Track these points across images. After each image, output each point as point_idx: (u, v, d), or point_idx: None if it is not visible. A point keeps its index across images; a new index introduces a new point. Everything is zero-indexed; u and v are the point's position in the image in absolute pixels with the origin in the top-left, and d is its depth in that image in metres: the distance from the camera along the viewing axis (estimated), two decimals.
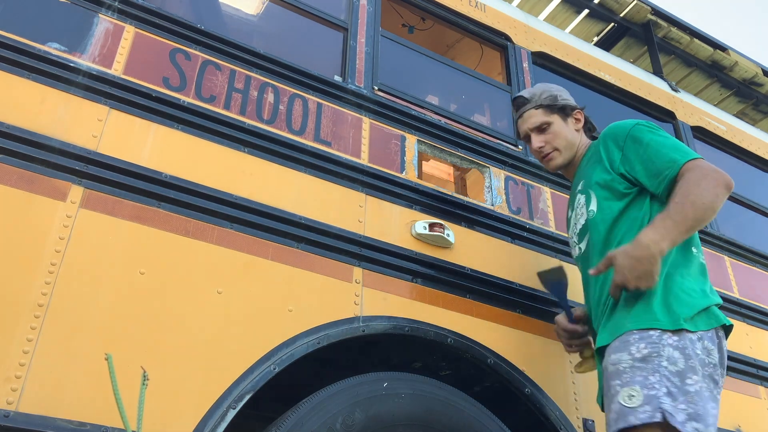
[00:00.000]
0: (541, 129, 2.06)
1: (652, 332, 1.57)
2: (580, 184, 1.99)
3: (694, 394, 1.49)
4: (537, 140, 2.06)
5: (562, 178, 2.64)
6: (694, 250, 1.79)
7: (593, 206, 1.89)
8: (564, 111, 2.08)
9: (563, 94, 2.12)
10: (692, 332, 1.57)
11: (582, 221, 1.95)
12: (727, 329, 1.68)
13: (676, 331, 1.56)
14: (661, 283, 1.64)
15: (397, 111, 2.49)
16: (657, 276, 1.60)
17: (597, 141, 1.98)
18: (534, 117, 2.07)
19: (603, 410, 1.77)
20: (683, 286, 1.65)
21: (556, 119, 2.06)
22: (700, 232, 3.14)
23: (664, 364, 1.52)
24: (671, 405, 1.46)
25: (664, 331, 1.57)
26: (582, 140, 2.10)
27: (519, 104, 2.12)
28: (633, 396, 1.49)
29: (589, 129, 2.14)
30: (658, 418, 1.45)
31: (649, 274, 1.58)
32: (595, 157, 1.95)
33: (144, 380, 1.35)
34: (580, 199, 1.97)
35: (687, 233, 1.64)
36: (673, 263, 1.70)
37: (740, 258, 3.24)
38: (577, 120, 2.10)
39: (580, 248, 1.98)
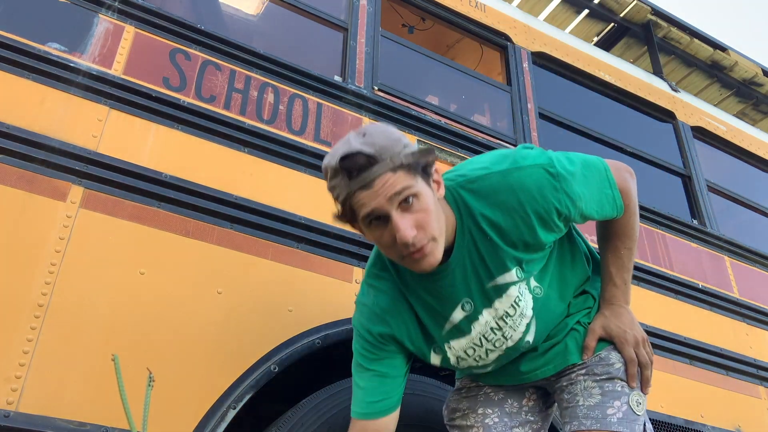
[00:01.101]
0: (406, 202, 1.19)
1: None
2: (485, 285, 1.32)
3: None
4: (406, 224, 1.18)
5: None
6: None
7: (533, 284, 1.36)
8: (426, 172, 1.23)
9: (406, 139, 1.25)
10: None
11: (521, 324, 1.37)
12: None
13: None
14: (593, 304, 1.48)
15: (397, 111, 2.49)
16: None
17: (474, 218, 1.29)
18: (395, 184, 1.17)
19: None
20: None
21: (423, 187, 1.21)
22: (699, 231, 3.14)
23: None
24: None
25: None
26: (444, 216, 1.28)
27: (358, 167, 1.17)
28: (640, 404, 1.37)
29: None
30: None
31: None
32: (492, 243, 1.29)
33: (150, 381, 1.35)
34: (522, 289, 1.34)
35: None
36: (588, 280, 1.50)
37: (740, 258, 3.25)
38: (437, 184, 1.27)
39: (490, 363, 1.43)
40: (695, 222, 3.22)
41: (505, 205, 1.27)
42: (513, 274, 1.31)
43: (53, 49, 1.90)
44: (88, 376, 1.55)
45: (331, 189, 1.24)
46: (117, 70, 1.98)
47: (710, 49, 4.35)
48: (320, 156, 2.19)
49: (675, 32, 4.22)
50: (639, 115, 3.50)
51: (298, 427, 1.66)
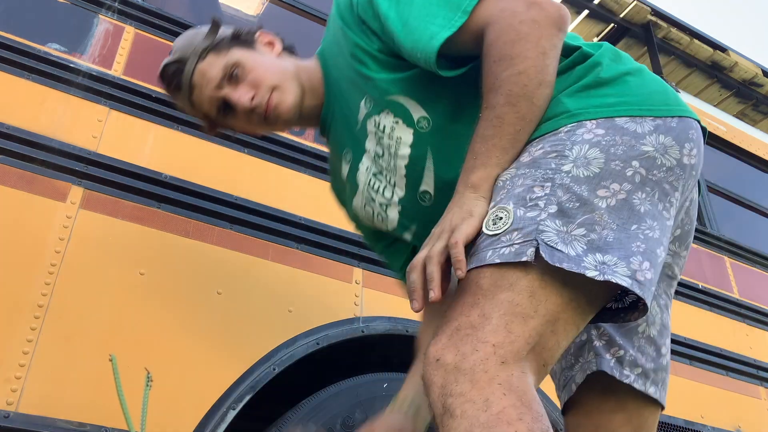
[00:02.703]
0: (231, 77, 1.21)
1: (559, 131, 0.96)
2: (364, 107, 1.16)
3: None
4: (240, 93, 1.19)
5: None
6: None
7: (415, 115, 1.11)
8: (243, 41, 1.27)
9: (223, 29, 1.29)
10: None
11: (402, 161, 1.13)
12: None
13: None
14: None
15: None
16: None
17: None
18: (211, 69, 1.21)
19: None
20: None
21: (243, 54, 1.24)
22: (699, 232, 3.14)
23: (567, 167, 0.90)
24: (556, 232, 0.84)
25: (581, 122, 0.96)
26: (300, 67, 1.29)
27: (172, 75, 1.24)
28: (500, 218, 0.88)
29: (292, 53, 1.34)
30: (527, 256, 0.82)
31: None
32: (346, 77, 1.20)
33: (148, 381, 1.35)
34: (380, 122, 1.14)
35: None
36: None
37: (740, 258, 3.25)
38: (270, 44, 1.30)
39: (409, 228, 1.23)
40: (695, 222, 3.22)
41: (330, 29, 1.29)
42: (362, 105, 1.16)
43: (53, 50, 1.90)
44: (88, 376, 1.55)
45: (182, 110, 1.29)
46: (117, 70, 1.98)
47: (710, 49, 4.36)
48: (320, 157, 2.18)
49: (675, 33, 4.22)
50: None
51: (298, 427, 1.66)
